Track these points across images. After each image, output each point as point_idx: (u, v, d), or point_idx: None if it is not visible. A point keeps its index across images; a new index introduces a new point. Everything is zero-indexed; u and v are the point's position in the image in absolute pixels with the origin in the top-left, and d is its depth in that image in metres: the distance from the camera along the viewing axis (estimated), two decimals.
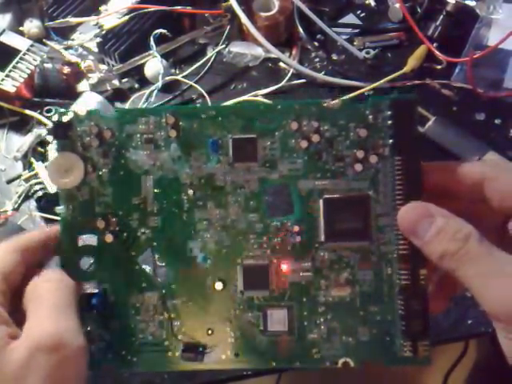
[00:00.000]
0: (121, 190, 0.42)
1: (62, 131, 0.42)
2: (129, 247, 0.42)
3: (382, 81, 0.76)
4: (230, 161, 0.42)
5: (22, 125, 0.74)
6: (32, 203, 0.68)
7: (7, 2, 0.79)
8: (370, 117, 0.41)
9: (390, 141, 0.41)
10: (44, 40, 0.77)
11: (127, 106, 0.74)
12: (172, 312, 0.42)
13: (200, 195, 0.43)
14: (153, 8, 0.76)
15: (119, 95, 0.76)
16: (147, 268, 0.42)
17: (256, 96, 0.76)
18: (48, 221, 0.67)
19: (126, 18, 0.76)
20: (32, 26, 0.78)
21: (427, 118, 0.72)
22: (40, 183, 0.68)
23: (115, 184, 0.42)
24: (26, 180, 0.69)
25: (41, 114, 0.73)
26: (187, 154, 0.42)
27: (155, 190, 0.42)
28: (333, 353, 0.42)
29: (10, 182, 0.69)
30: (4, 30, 0.73)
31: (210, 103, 0.75)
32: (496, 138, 0.71)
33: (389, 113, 0.41)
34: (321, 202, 0.42)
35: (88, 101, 0.71)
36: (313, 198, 0.42)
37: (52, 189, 0.67)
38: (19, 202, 0.68)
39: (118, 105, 0.75)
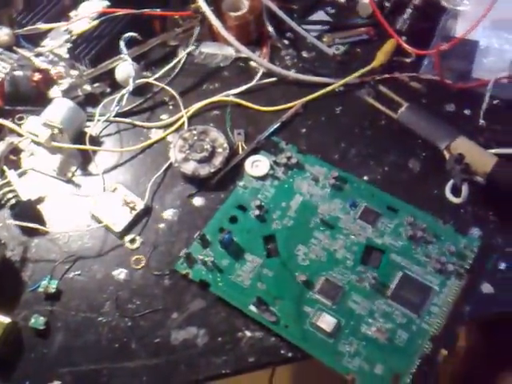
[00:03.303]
0: (279, 195, 0.68)
1: None
2: (264, 223, 0.66)
3: (351, 76, 0.76)
4: (356, 217, 0.66)
5: None
6: (6, 212, 0.68)
7: None
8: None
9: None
10: (14, 47, 0.77)
11: (98, 110, 0.74)
12: (262, 278, 0.63)
13: (324, 224, 0.66)
14: (122, 12, 0.77)
15: (91, 100, 0.76)
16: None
17: (228, 96, 0.76)
18: (22, 228, 0.67)
19: (96, 22, 0.77)
20: (1, 33, 0.78)
21: (400, 104, 0.73)
22: (13, 191, 0.68)
23: (278, 188, 0.69)
24: None
25: (12, 122, 0.73)
26: (333, 197, 0.67)
27: (299, 206, 0.67)
28: (349, 365, 0.58)
29: None
30: None
31: (181, 105, 0.75)
32: (466, 127, 0.72)
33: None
34: (400, 273, 0.62)
35: (59, 107, 0.71)
36: (397, 268, 0.62)
37: (25, 196, 0.67)
38: None
39: (90, 109, 0.75)
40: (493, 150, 0.69)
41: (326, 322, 0.59)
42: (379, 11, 0.78)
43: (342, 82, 0.76)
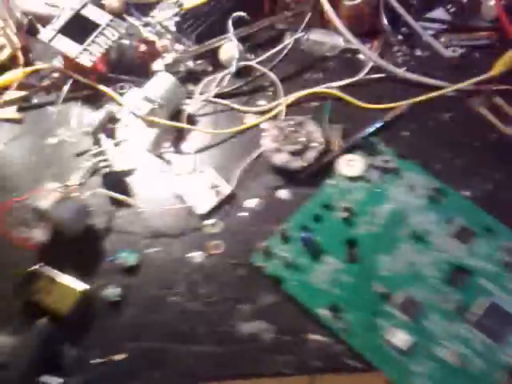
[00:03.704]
0: (369, 199, 0.65)
1: None
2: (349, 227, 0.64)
3: (465, 82, 0.71)
4: (450, 233, 0.62)
5: (94, 99, 0.76)
6: (97, 179, 0.70)
7: None
8: None
9: None
10: (123, 15, 0.78)
11: (199, 88, 0.74)
12: (339, 283, 0.61)
13: (413, 237, 0.62)
14: None
15: (192, 77, 0.76)
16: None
17: (330, 88, 0.74)
18: (110, 198, 0.69)
19: None
20: (112, 0, 0.79)
21: None
22: (106, 160, 0.69)
23: (370, 192, 0.66)
24: (94, 156, 0.70)
25: (114, 90, 0.74)
26: (428, 210, 0.64)
27: (389, 214, 0.64)
28: None
29: (79, 155, 0.71)
30: (86, 4, 0.75)
31: (281, 92, 0.74)
32: None
33: None
34: (487, 300, 0.58)
35: (161, 82, 0.71)
36: (484, 293, 0.59)
37: (117, 167, 0.68)
38: (85, 176, 0.70)
39: (190, 87, 0.75)
40: None
41: (400, 338, 0.57)
42: (505, 16, 0.73)
43: (456, 87, 0.71)
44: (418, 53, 0.77)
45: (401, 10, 0.75)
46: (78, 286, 0.62)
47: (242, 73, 0.76)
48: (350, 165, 0.67)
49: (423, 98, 0.72)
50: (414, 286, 0.60)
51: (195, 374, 0.59)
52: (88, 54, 0.72)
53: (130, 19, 0.77)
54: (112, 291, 0.62)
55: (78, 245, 0.66)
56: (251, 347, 0.59)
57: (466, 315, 0.58)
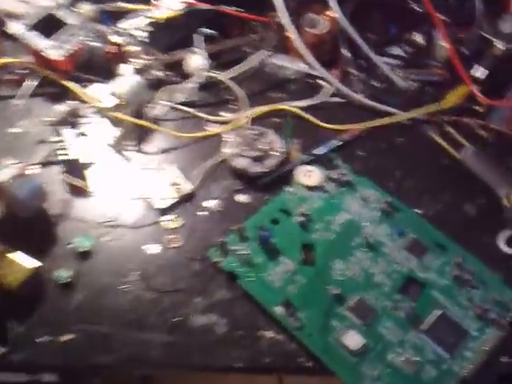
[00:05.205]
0: (325, 208, 0.67)
1: None
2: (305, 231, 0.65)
3: (418, 110, 0.76)
4: (402, 246, 0.64)
5: (59, 97, 0.75)
6: (55, 169, 0.69)
7: None
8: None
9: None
10: (95, 22, 0.80)
11: (162, 94, 0.75)
12: (294, 283, 0.61)
13: (366, 246, 0.63)
14: (204, 6, 0.79)
15: (158, 85, 0.77)
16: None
17: (291, 106, 0.76)
18: (66, 186, 0.68)
19: (177, 12, 0.78)
20: (86, 8, 0.80)
21: (463, 145, 0.73)
22: (66, 149, 0.69)
23: (326, 201, 0.67)
24: (54, 144, 0.70)
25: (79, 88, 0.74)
26: (381, 222, 0.66)
27: (344, 223, 0.65)
28: None
29: (39, 142, 0.70)
30: (60, 6, 0.76)
31: (245, 105, 0.76)
32: None
33: None
34: (438, 311, 0.59)
35: (128, 81, 0.72)
36: (436, 305, 0.60)
37: (74, 155, 0.68)
38: (43, 160, 0.69)
39: (156, 94, 0.76)
40: None
41: (353, 339, 0.57)
42: (456, 57, 0.78)
43: (409, 115, 0.76)
44: (375, 83, 0.81)
45: (361, 41, 0.80)
46: (30, 262, 0.60)
47: (206, 86, 0.78)
48: (308, 175, 0.69)
49: (379, 122, 0.75)
50: (367, 291, 0.60)
51: (142, 361, 0.57)
52: (57, 49, 0.73)
53: (100, 26, 0.78)
54: (63, 273, 0.61)
55: (31, 226, 0.64)
56: (203, 339, 0.58)
57: (418, 324, 0.58)
